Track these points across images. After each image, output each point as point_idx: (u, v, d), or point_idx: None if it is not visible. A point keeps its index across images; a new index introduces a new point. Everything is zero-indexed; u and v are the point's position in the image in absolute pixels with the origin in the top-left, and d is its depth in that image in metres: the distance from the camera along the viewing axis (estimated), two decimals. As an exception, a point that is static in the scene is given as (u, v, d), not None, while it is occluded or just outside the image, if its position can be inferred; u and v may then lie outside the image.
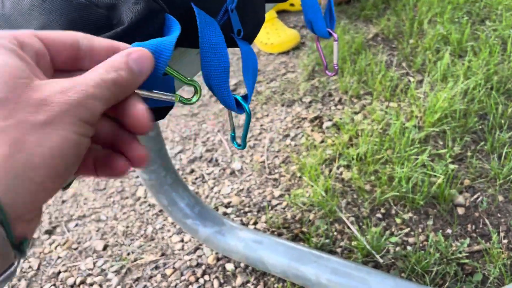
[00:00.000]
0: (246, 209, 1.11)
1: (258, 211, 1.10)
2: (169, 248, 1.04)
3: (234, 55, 1.71)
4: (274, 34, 1.74)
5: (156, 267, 1.00)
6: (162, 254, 1.02)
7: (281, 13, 1.98)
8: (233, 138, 0.44)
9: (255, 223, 1.07)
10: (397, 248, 0.95)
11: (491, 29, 1.64)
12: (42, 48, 0.24)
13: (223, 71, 0.38)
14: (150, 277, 0.98)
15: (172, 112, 1.50)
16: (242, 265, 0.97)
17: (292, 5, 1.97)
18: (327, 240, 0.99)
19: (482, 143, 1.17)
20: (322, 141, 1.27)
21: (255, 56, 0.46)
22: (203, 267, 0.98)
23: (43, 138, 0.20)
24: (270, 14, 1.77)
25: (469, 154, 1.15)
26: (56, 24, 0.30)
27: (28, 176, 0.20)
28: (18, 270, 0.22)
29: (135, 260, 1.02)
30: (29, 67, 0.22)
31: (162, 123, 1.51)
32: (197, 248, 1.02)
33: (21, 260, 0.23)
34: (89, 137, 0.23)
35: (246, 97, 0.42)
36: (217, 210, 1.12)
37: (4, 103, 0.20)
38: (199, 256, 1.00)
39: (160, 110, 0.38)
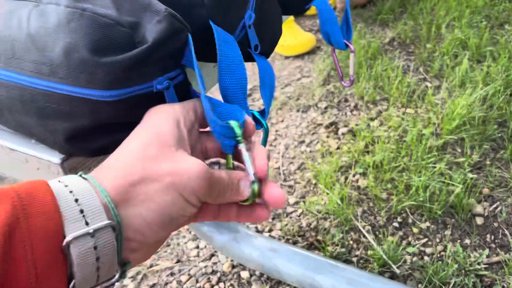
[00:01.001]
0: (261, 216, 1.11)
1: (273, 218, 1.09)
2: (184, 255, 1.04)
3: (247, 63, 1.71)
4: (290, 36, 1.74)
5: (172, 274, 1.00)
6: (178, 261, 1.03)
7: (296, 17, 1.97)
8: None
9: (270, 230, 1.06)
10: (414, 258, 0.94)
11: (510, 33, 1.61)
12: (193, 119, 0.33)
13: (240, 87, 0.38)
14: (166, 284, 0.98)
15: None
16: (257, 273, 0.97)
17: None
18: (342, 249, 0.98)
19: (502, 151, 1.15)
20: (337, 148, 1.26)
21: (272, 70, 0.46)
22: (218, 274, 0.98)
23: (158, 194, 0.27)
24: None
25: (488, 162, 1.13)
26: (81, 43, 0.31)
27: (141, 214, 0.27)
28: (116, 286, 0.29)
29: (151, 266, 1.03)
30: (180, 137, 0.30)
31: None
32: (212, 255, 1.03)
33: (120, 279, 0.28)
34: (190, 207, 0.29)
35: (263, 112, 0.42)
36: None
37: (149, 159, 0.28)
38: (215, 263, 1.01)
39: None
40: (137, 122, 0.34)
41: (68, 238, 0.23)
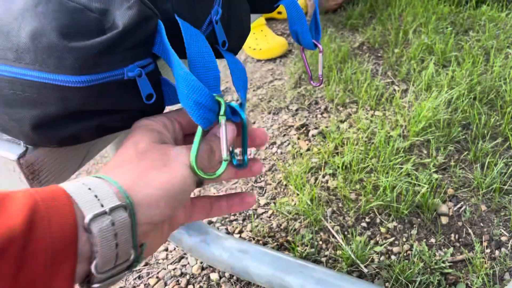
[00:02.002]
0: (232, 217, 1.10)
1: (244, 220, 1.09)
2: (153, 257, 1.02)
3: (221, 61, 1.71)
4: (263, 40, 1.75)
5: (139, 277, 0.98)
6: (146, 264, 1.01)
7: (268, 21, 1.99)
8: (233, 156, 0.40)
9: (240, 232, 1.06)
10: (382, 258, 0.96)
11: (474, 39, 1.67)
12: (177, 126, 0.37)
13: (213, 80, 0.38)
14: (133, 287, 0.96)
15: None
16: (227, 274, 0.96)
17: (279, 13, 1.98)
18: (312, 249, 0.98)
19: (466, 152, 1.19)
20: (308, 149, 1.27)
21: (242, 65, 0.46)
22: (187, 276, 0.97)
23: (159, 175, 0.30)
24: (259, 20, 1.78)
25: (452, 163, 1.16)
26: (49, 27, 0.30)
27: (147, 193, 0.29)
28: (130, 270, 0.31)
29: (118, 269, 1.00)
30: (164, 139, 0.34)
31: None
32: (181, 257, 1.01)
33: (135, 263, 0.30)
34: (189, 181, 0.32)
35: (240, 105, 0.42)
36: (202, 218, 1.11)
37: (143, 152, 0.32)
38: (184, 266, 0.99)
39: (153, 113, 0.38)
40: (107, 109, 0.34)
41: (89, 216, 0.26)
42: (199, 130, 0.34)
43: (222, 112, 0.34)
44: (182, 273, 0.98)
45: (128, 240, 0.28)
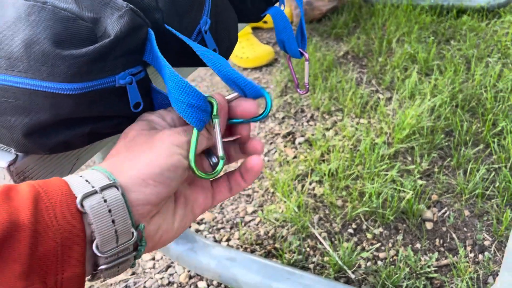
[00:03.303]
0: (219, 225, 1.10)
1: (231, 228, 1.09)
2: (140, 267, 1.02)
3: (207, 70, 1.72)
4: (249, 49, 1.76)
5: (126, 286, 0.97)
6: (133, 273, 1.00)
7: (254, 30, 2.00)
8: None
9: (228, 239, 1.06)
10: (368, 263, 0.97)
11: (455, 48, 1.71)
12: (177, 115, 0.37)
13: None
14: (120, 297, 0.96)
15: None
16: (214, 283, 0.96)
17: (265, 22, 2.00)
18: (299, 256, 0.99)
19: (449, 159, 1.21)
20: (294, 157, 1.28)
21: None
22: (175, 285, 0.97)
23: (144, 156, 0.31)
24: (246, 29, 1.80)
25: (436, 169, 1.18)
26: (42, 36, 0.30)
27: (133, 174, 0.30)
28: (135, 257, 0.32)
29: (105, 279, 0.99)
30: (154, 126, 0.35)
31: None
32: (168, 266, 1.01)
33: (139, 244, 0.31)
34: (176, 155, 0.32)
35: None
36: (190, 227, 1.10)
37: (131, 140, 0.33)
38: (171, 275, 0.99)
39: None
40: (99, 116, 0.35)
41: (79, 196, 0.27)
42: (195, 132, 0.34)
43: (214, 112, 0.35)
44: (169, 282, 0.97)
45: (125, 217, 0.29)
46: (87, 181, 0.29)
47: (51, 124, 0.33)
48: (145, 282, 0.98)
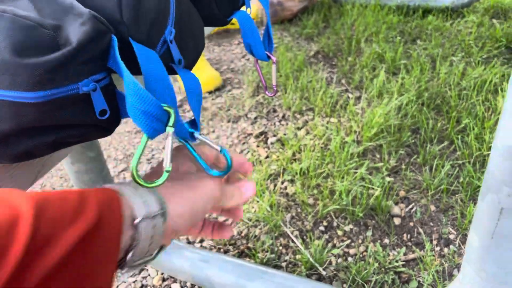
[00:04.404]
0: (192, 227, 1.10)
1: (204, 229, 1.10)
2: (112, 271, 1.01)
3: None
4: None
5: (99, 291, 0.97)
6: (105, 277, 0.99)
7: (222, 32, 2.00)
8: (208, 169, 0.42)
9: (202, 240, 1.06)
10: (339, 260, 0.99)
11: (421, 48, 1.76)
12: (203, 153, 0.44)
13: (170, 100, 0.39)
14: (93, 302, 0.95)
15: (116, 129, 1.47)
16: (188, 284, 0.96)
17: (232, 23, 2.00)
18: (272, 255, 1.00)
19: (415, 156, 1.25)
20: (267, 157, 1.29)
21: (198, 81, 0.47)
22: (149, 288, 0.96)
23: (189, 194, 0.38)
24: None
25: (403, 166, 1.22)
26: (2, 45, 0.30)
27: (177, 206, 0.37)
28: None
29: (76, 284, 0.98)
30: (197, 167, 0.43)
31: (105, 140, 1.47)
32: (141, 269, 1.00)
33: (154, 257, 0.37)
34: (209, 204, 0.39)
35: (194, 122, 0.43)
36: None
37: (183, 174, 0.41)
38: (144, 278, 0.99)
39: (109, 127, 0.38)
40: (63, 125, 0.35)
41: (139, 218, 0.32)
42: (143, 139, 0.34)
43: (171, 123, 0.35)
44: (142, 285, 0.97)
45: (158, 242, 0.35)
46: (144, 202, 0.34)
47: (13, 134, 0.32)
48: (117, 286, 0.97)
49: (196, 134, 0.39)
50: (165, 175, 0.36)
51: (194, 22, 0.49)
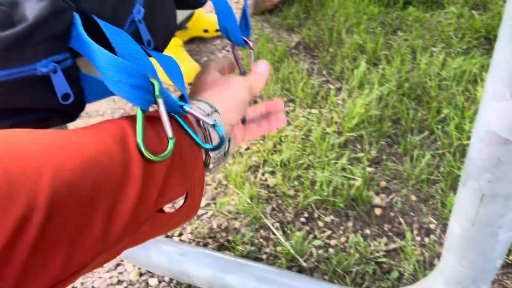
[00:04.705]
0: (171, 220, 1.08)
1: (183, 222, 1.07)
2: (87, 266, 0.98)
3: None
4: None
5: (73, 287, 0.93)
6: (80, 273, 0.96)
7: (195, 40, 1.92)
8: None
9: (180, 234, 1.04)
10: (320, 251, 0.98)
11: (402, 38, 1.75)
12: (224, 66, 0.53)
13: (151, 72, 0.37)
14: (67, 299, 0.92)
15: (90, 111, 1.43)
16: (166, 279, 0.94)
17: (206, 31, 1.91)
18: (252, 248, 0.99)
19: (396, 146, 1.24)
20: (247, 148, 1.27)
21: (173, 58, 0.44)
22: (125, 284, 0.94)
23: (228, 92, 0.44)
24: (176, 41, 1.71)
25: (384, 157, 1.21)
26: None
27: (224, 103, 0.43)
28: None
29: (50, 281, 0.95)
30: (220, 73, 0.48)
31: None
32: (118, 265, 0.97)
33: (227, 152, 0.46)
34: (248, 94, 0.46)
35: (183, 98, 0.41)
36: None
37: (217, 79, 0.46)
38: (120, 273, 0.96)
39: (72, 112, 0.36)
40: (21, 108, 0.32)
41: (202, 118, 0.39)
42: (139, 113, 0.33)
43: (157, 92, 0.34)
44: (119, 281, 0.94)
45: (224, 132, 0.41)
46: (204, 111, 0.40)
47: None
48: (93, 282, 0.94)
49: (186, 107, 0.38)
50: (171, 144, 0.35)
51: (165, 2, 0.46)
